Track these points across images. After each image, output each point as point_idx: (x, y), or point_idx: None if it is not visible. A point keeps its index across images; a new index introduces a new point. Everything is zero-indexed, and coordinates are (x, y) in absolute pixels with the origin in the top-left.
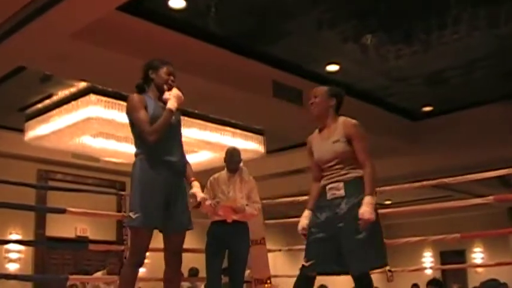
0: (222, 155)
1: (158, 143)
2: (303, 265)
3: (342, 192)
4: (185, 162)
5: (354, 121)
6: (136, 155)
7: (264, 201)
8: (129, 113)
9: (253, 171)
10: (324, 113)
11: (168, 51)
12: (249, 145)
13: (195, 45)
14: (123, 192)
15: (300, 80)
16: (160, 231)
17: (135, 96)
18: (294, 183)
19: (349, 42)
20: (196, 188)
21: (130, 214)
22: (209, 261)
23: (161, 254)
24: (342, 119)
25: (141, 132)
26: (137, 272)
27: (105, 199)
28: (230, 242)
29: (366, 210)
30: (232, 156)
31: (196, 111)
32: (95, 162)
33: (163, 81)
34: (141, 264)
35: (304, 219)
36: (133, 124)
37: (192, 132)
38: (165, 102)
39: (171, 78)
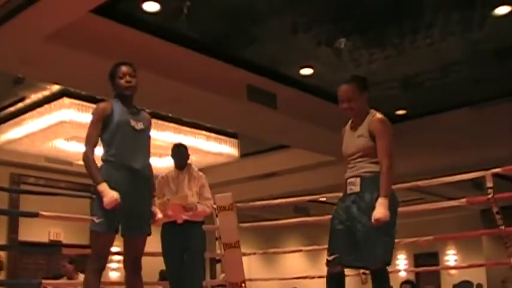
0: (197, 158)
1: (122, 149)
2: (327, 260)
3: (357, 188)
4: (151, 171)
5: (379, 116)
6: (102, 159)
7: (238, 205)
8: (89, 122)
9: (227, 174)
10: (361, 110)
11: (142, 54)
12: (223, 148)
13: (169, 48)
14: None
15: (274, 83)
16: (122, 235)
17: (99, 106)
18: (268, 187)
19: (323, 46)
20: (154, 207)
21: (94, 218)
22: (167, 264)
23: (148, 259)
24: (371, 113)
25: (85, 143)
26: (100, 277)
27: (79, 203)
28: (184, 243)
29: (378, 212)
30: (179, 152)
31: (170, 115)
32: (68, 166)
33: (121, 89)
34: (103, 269)
35: None
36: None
37: (165, 135)
38: (135, 108)
39: (126, 78)
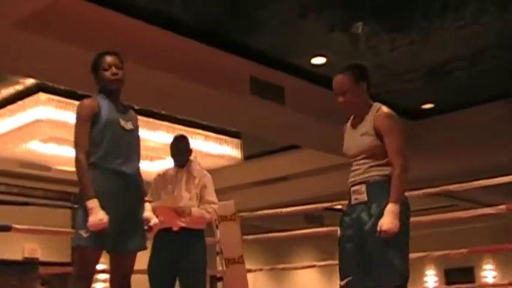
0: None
1: (111, 151)
2: (340, 285)
3: (364, 197)
4: (141, 176)
5: (386, 110)
6: (89, 164)
7: (242, 214)
8: (75, 122)
9: (229, 179)
10: (358, 105)
11: (129, 42)
12: (224, 150)
13: (160, 35)
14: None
15: (282, 75)
16: (108, 251)
17: (85, 103)
18: (276, 193)
19: (337, 31)
20: (149, 212)
21: (81, 232)
22: (153, 283)
23: (138, 277)
24: (375, 106)
25: (75, 148)
26: None
27: (58, 214)
28: (178, 257)
29: (385, 221)
30: (178, 146)
31: (162, 112)
32: (46, 172)
33: (105, 82)
34: None
35: None
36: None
37: (158, 135)
38: (122, 106)
39: (112, 70)
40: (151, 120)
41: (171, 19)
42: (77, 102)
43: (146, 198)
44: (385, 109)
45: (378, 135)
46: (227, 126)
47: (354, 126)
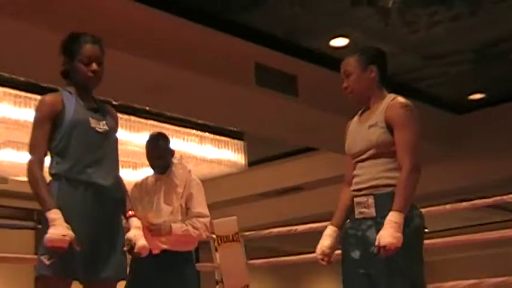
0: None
1: (79, 159)
2: None
3: (372, 212)
4: (121, 188)
5: (401, 100)
6: (50, 173)
7: (246, 233)
8: (32, 123)
9: (230, 190)
10: (365, 93)
11: (107, 23)
12: (224, 154)
13: (145, 14)
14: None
15: (293, 60)
16: (81, 282)
17: (45, 100)
18: (288, 207)
19: (362, 6)
20: (135, 231)
21: (43, 258)
22: None
23: None
24: (389, 97)
25: (29, 153)
26: None
27: (18, 236)
28: (157, 286)
29: (384, 234)
30: (154, 148)
31: (147, 108)
32: (2, 184)
33: (80, 76)
34: None
35: (326, 240)
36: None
37: (142, 138)
38: (95, 101)
39: (92, 67)
40: (133, 118)
41: None
42: (40, 97)
43: (131, 213)
44: (401, 99)
45: (389, 128)
46: (227, 125)
47: (362, 119)
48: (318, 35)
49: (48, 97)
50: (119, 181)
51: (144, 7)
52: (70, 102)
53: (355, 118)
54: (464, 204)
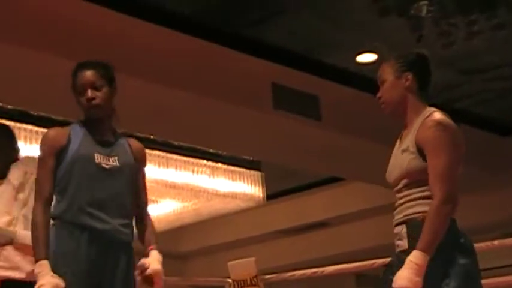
0: (197, 204)
1: (78, 199)
2: None
3: (404, 243)
4: (129, 232)
5: (436, 117)
6: (52, 217)
7: (268, 277)
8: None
9: (247, 228)
10: (400, 105)
11: (102, 41)
12: (239, 187)
13: (142, 30)
14: None
15: (315, 79)
16: None
17: (49, 134)
18: (313, 246)
19: (392, 16)
20: (152, 259)
21: None
22: None
23: None
24: (426, 111)
25: (35, 194)
26: None
27: None
28: None
29: (400, 275)
30: None
31: (152, 137)
32: None
33: (83, 110)
34: None
35: None
36: None
37: (147, 170)
38: (113, 134)
39: (87, 95)
40: None
41: (161, 10)
42: (27, 127)
43: (151, 247)
44: (436, 115)
45: (420, 152)
46: (242, 154)
47: (401, 141)
48: (342, 50)
49: (52, 131)
50: (128, 225)
51: (142, 22)
52: (77, 136)
53: (399, 137)
54: None
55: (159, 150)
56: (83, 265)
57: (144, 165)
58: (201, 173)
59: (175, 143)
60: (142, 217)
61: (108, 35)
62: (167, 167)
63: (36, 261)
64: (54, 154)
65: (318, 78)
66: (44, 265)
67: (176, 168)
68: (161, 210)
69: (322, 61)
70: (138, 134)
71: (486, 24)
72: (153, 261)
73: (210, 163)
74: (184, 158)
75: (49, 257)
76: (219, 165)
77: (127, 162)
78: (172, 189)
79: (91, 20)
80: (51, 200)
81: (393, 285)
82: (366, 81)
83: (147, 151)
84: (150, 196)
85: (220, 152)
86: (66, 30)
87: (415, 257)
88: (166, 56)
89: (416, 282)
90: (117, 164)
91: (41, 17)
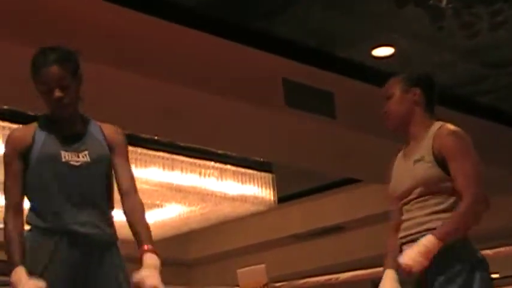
0: (205, 208)
1: (50, 203)
2: None
3: None
4: (110, 231)
5: (451, 127)
6: (28, 223)
7: (278, 285)
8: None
9: (258, 233)
10: (405, 119)
11: (100, 36)
12: (249, 190)
13: (147, 26)
14: None
15: (328, 75)
16: None
17: (11, 135)
18: (327, 251)
19: (410, 7)
20: (147, 272)
21: None
22: None
23: None
24: (436, 124)
25: (4, 204)
26: None
27: None
28: None
29: (407, 254)
30: None
31: (156, 138)
32: None
33: (48, 105)
34: None
35: (390, 282)
36: None
37: (151, 172)
38: (79, 125)
39: (55, 94)
40: (139, 150)
41: (167, 3)
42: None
43: (146, 248)
44: (451, 126)
45: (439, 161)
46: (252, 155)
47: (407, 153)
48: (357, 43)
49: (15, 132)
50: (108, 223)
51: (148, 17)
52: (41, 134)
53: (400, 153)
54: None
55: (164, 151)
56: (65, 270)
57: (122, 147)
58: (209, 175)
59: (181, 143)
60: (129, 204)
61: (113, 31)
62: (172, 169)
63: (11, 269)
64: (18, 157)
65: (332, 74)
66: (20, 271)
67: (182, 170)
68: (166, 215)
69: (336, 55)
70: (142, 135)
71: (511, 14)
72: (148, 275)
73: (218, 165)
74: (191, 160)
75: (24, 263)
76: (228, 166)
77: (100, 154)
78: (178, 193)
79: (97, 16)
80: (22, 203)
81: (398, 259)
82: (382, 76)
83: (151, 153)
84: (154, 200)
85: (228, 152)
86: (68, 27)
87: (427, 240)
88: (170, 51)
89: (419, 262)
90: (88, 159)
91: (42, 16)
